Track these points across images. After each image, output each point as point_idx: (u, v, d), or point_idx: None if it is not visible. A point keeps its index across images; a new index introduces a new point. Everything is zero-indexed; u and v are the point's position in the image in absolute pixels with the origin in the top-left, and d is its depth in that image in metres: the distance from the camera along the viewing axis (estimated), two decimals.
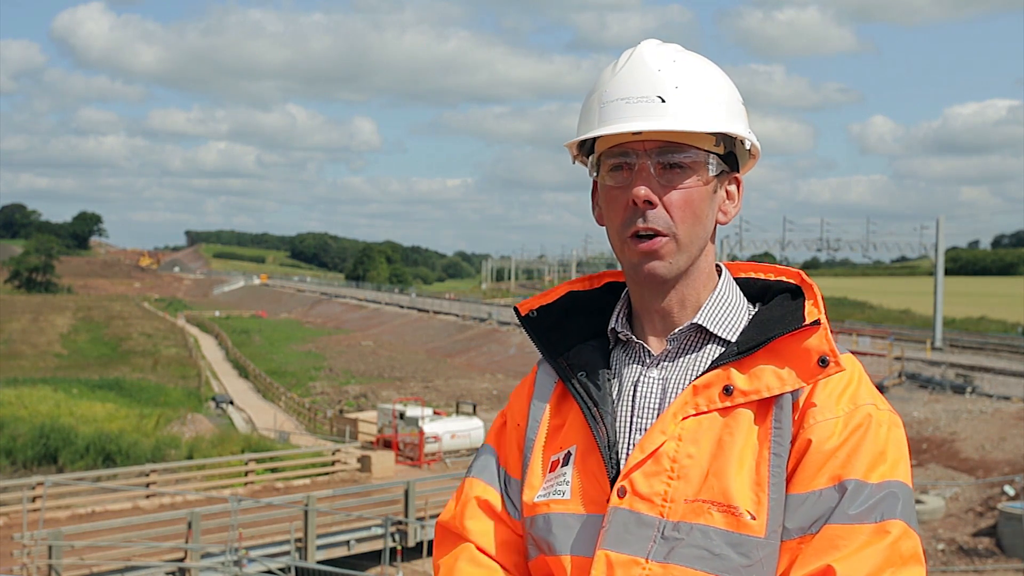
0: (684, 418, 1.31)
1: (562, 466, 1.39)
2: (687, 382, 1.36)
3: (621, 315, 1.45)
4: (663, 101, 1.32)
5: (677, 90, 1.33)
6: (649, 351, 1.40)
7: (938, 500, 20.45)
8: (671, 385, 1.37)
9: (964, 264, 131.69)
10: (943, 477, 22.11)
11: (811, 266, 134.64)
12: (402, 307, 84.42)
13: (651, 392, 1.37)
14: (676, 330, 1.39)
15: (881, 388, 32.17)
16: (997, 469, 21.82)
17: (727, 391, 1.30)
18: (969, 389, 29.65)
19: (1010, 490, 20.10)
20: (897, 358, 33.95)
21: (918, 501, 19.80)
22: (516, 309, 1.51)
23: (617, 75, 1.36)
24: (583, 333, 1.46)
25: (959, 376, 31.60)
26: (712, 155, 1.35)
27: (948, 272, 58.59)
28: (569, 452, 1.39)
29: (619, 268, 1.51)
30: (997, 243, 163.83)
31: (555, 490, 1.37)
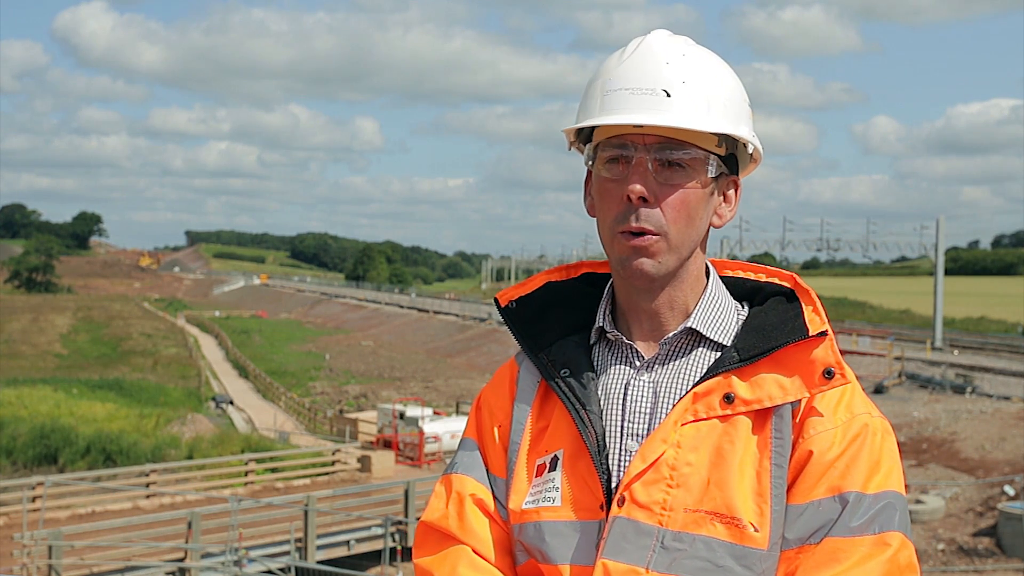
0: (683, 424, 1.28)
1: (549, 471, 1.34)
2: (679, 387, 1.33)
3: (606, 312, 1.40)
4: (668, 95, 1.27)
5: (684, 85, 1.28)
6: (639, 353, 1.36)
7: (938, 500, 20.41)
8: (662, 390, 1.33)
9: (964, 264, 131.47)
10: (943, 477, 22.09)
11: (811, 266, 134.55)
12: (402, 307, 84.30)
13: (642, 396, 1.33)
14: (670, 335, 1.35)
15: (881, 388, 31.94)
16: (997, 469, 21.80)
17: (728, 399, 1.28)
18: (969, 389, 29.61)
19: (1010, 490, 20.07)
20: (897, 358, 33.91)
21: (918, 501, 19.84)
22: (496, 300, 1.46)
23: (623, 63, 1.31)
24: (563, 327, 1.41)
25: (959, 376, 31.55)
26: (713, 156, 1.31)
27: (948, 272, 58.48)
28: (556, 456, 1.34)
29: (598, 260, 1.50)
30: (997, 243, 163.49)
31: (544, 496, 1.32)
